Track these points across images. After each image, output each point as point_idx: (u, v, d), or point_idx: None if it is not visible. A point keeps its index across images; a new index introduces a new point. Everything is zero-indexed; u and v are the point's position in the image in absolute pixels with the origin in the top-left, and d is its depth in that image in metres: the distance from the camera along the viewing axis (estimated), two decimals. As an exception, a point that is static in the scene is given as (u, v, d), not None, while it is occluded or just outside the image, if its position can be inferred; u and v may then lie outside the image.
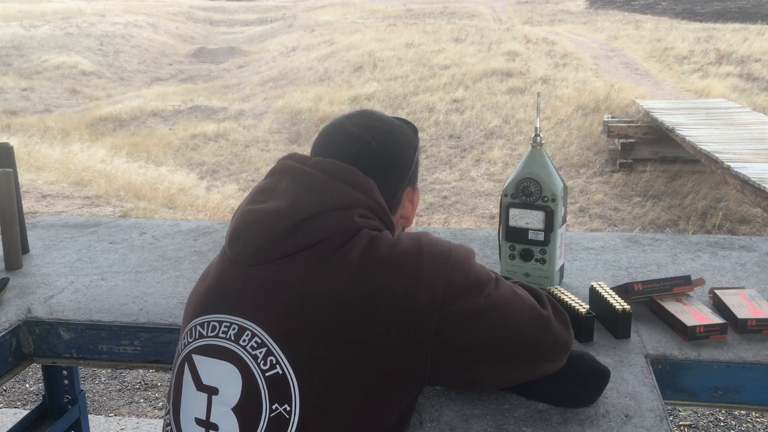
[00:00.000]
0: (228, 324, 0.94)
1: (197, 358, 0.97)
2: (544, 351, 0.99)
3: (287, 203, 0.95)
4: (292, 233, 0.93)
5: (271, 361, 0.90)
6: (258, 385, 0.90)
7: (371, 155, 1.02)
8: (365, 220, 0.97)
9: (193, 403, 0.96)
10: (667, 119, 9.99)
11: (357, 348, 0.88)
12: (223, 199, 8.74)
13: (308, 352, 0.89)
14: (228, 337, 0.94)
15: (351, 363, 0.88)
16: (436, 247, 0.94)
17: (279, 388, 0.89)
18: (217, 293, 0.98)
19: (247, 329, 0.92)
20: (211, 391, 0.94)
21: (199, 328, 0.98)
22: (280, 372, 0.89)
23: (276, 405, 0.89)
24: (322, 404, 0.88)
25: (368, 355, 0.88)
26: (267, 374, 0.90)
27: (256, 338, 0.91)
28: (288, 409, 0.88)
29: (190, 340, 0.99)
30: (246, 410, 0.90)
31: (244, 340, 0.92)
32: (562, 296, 1.29)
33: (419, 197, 1.12)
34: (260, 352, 0.90)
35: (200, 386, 0.96)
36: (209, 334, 0.96)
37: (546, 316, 0.98)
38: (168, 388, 1.04)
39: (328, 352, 0.88)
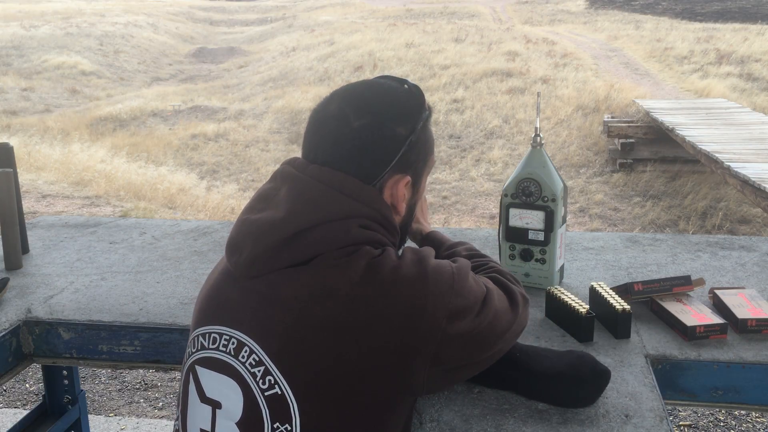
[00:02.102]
0: (228, 337, 0.94)
1: (200, 370, 0.97)
2: (509, 341, 1.04)
3: (282, 214, 0.92)
4: (286, 246, 0.90)
5: (270, 380, 0.89)
6: (258, 403, 0.90)
7: (345, 141, 0.95)
8: (366, 232, 0.93)
9: (198, 414, 0.96)
10: (667, 119, 9.99)
11: (354, 370, 0.87)
12: (223, 199, 8.73)
13: (305, 373, 0.88)
14: (228, 351, 0.93)
15: (348, 385, 0.87)
16: (440, 273, 0.92)
17: (279, 408, 0.88)
18: (217, 303, 0.98)
19: (245, 345, 0.91)
20: (215, 405, 0.94)
21: (200, 338, 0.98)
22: (279, 392, 0.88)
23: (277, 424, 0.88)
24: (322, 424, 0.88)
25: (365, 377, 0.87)
26: (266, 393, 0.89)
27: (254, 355, 0.90)
28: (289, 428, 0.88)
29: (193, 350, 0.99)
30: (249, 427, 0.91)
31: (243, 356, 0.91)
32: (562, 296, 1.29)
33: (405, 186, 1.00)
34: (259, 371, 0.90)
35: (204, 398, 0.96)
36: (210, 346, 0.95)
37: (516, 316, 1.03)
38: (177, 393, 1.04)
39: (325, 373, 0.87)
